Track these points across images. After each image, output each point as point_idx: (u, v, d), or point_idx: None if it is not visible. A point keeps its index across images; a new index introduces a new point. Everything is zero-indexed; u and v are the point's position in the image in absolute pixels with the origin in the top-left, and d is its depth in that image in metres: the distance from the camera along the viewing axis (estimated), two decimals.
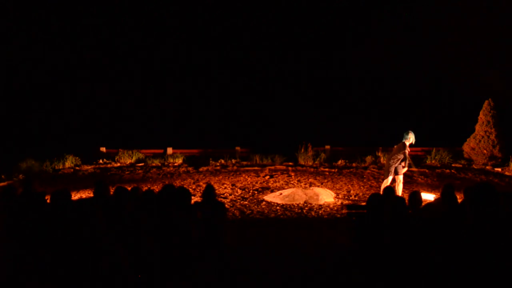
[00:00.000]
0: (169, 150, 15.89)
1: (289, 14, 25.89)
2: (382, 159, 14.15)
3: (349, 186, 11.30)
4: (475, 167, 13.89)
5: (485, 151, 14.16)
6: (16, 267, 3.68)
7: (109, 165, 14.72)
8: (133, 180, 12.08)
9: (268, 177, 12.32)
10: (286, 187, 10.96)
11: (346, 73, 24.28)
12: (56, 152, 14.37)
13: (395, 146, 9.25)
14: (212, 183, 10.60)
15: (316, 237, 7.14)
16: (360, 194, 10.40)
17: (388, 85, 23.40)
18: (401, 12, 24.26)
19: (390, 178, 8.98)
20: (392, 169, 8.97)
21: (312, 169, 13.53)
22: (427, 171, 13.18)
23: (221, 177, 12.49)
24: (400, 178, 9.12)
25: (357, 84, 23.89)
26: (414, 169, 11.14)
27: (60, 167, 14.02)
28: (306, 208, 9.11)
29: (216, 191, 9.03)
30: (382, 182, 9.49)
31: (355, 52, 24.36)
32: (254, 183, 11.63)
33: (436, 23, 23.03)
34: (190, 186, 11.08)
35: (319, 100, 23.15)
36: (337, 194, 10.32)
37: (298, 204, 9.35)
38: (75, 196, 9.91)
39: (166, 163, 14.78)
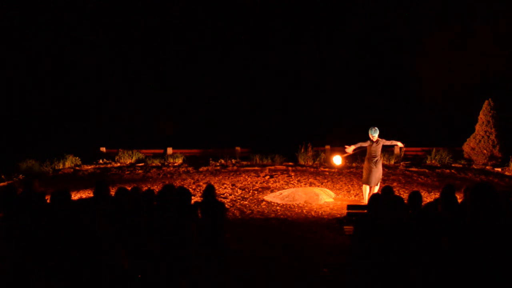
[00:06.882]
0: (169, 150, 15.88)
1: (290, 13, 25.89)
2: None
3: (349, 186, 11.30)
4: (475, 167, 13.89)
5: (485, 151, 14.15)
6: (16, 268, 3.68)
7: (109, 165, 14.73)
8: (133, 180, 12.08)
9: (268, 177, 12.31)
10: (286, 187, 10.97)
11: (345, 72, 24.27)
12: (56, 152, 14.37)
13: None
14: (212, 183, 10.56)
15: (316, 237, 7.16)
16: (360, 194, 10.40)
17: (387, 84, 23.39)
18: (402, 11, 24.28)
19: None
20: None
21: (312, 169, 13.53)
22: (427, 171, 13.18)
23: (221, 177, 12.49)
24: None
25: (356, 84, 23.87)
26: None
27: (60, 167, 14.02)
28: (306, 208, 9.12)
29: (216, 191, 9.03)
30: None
31: (354, 51, 24.37)
32: (254, 183, 11.63)
33: (436, 22, 23.03)
34: (190, 186, 11.09)
35: (319, 100, 23.13)
36: (337, 194, 10.33)
37: (298, 204, 9.36)
38: (75, 196, 9.91)
39: (166, 163, 14.78)
